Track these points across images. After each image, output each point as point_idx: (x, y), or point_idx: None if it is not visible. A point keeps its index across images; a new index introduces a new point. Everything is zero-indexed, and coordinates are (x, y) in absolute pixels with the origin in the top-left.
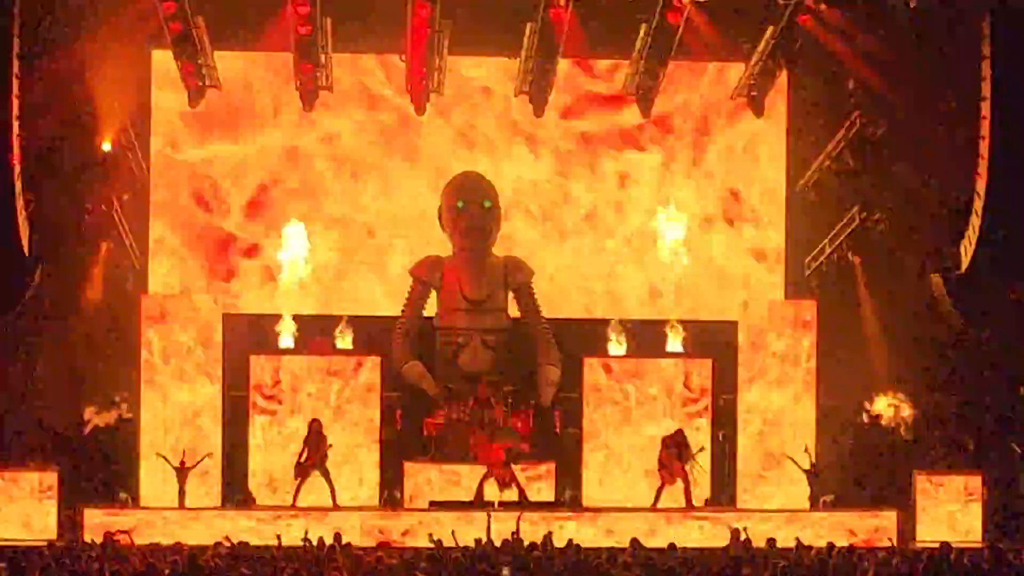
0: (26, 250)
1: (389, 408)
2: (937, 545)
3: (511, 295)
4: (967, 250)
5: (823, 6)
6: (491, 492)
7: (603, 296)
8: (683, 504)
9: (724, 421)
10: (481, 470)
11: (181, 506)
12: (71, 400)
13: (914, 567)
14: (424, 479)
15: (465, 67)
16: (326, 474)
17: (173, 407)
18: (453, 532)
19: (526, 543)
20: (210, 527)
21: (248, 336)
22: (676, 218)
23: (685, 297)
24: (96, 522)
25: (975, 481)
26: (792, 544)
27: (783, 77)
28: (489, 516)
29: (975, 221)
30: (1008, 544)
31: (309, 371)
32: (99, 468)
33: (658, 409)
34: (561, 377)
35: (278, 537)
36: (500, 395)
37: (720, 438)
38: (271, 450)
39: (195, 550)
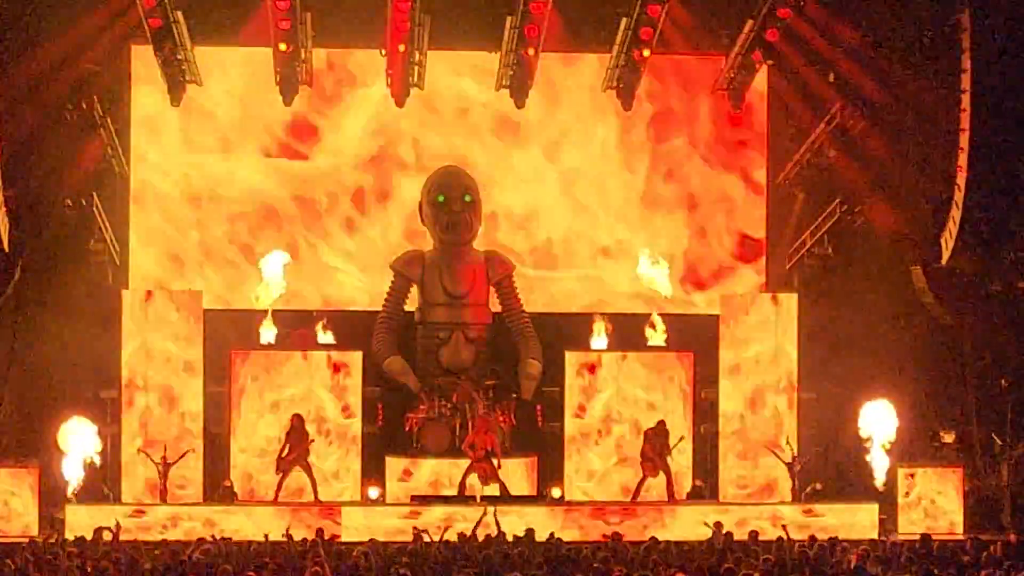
0: (5, 246)
1: (371, 403)
2: (918, 537)
3: (492, 289)
4: (948, 243)
5: None
6: (474, 488)
7: (586, 290)
8: (665, 497)
9: (705, 414)
10: (464, 464)
11: (163, 502)
12: (52, 396)
13: (896, 559)
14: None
15: (445, 61)
16: (308, 469)
17: (154, 403)
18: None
19: (509, 537)
20: (192, 523)
21: (230, 332)
22: (659, 263)
23: (666, 291)
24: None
25: (956, 473)
26: (774, 537)
27: (763, 70)
28: (485, 512)
29: (956, 214)
30: (989, 535)
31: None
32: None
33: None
34: (542, 371)
35: (266, 536)
36: (482, 390)
37: (701, 431)
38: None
39: (177, 546)
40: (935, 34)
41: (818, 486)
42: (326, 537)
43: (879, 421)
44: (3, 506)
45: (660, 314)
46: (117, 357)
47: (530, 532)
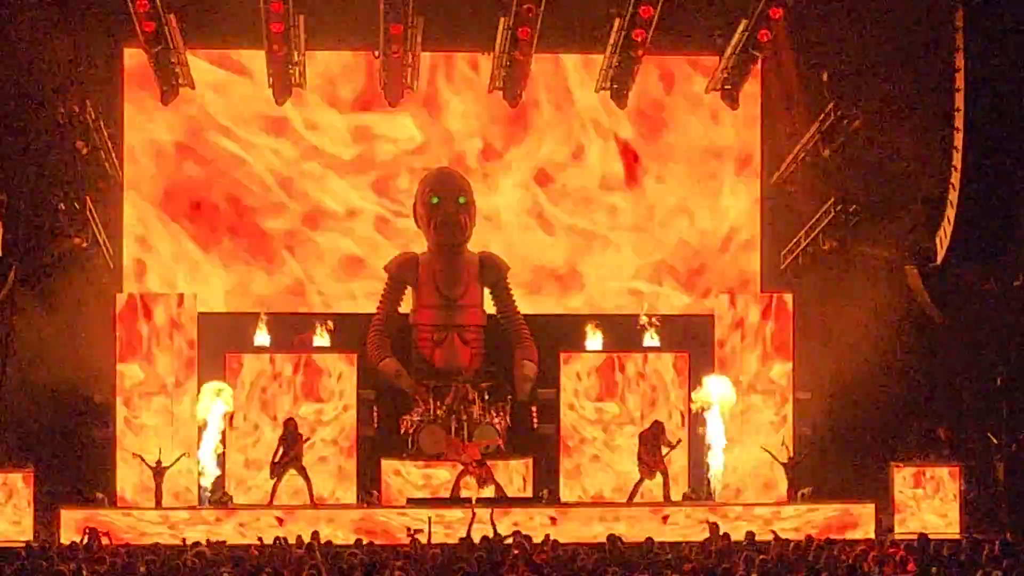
0: None
1: (366, 406)
2: (915, 537)
3: (487, 291)
4: (942, 242)
5: None
6: (468, 489)
7: (581, 291)
8: (661, 498)
9: (701, 415)
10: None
11: (158, 506)
12: (47, 400)
13: (892, 559)
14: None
15: (439, 63)
16: (303, 472)
17: (148, 406)
18: (411, 529)
19: (508, 540)
20: (187, 527)
21: (224, 335)
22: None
23: (661, 291)
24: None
25: (953, 472)
26: (770, 537)
27: (757, 69)
28: (474, 514)
29: (950, 213)
30: (986, 535)
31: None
32: (75, 468)
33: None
34: (537, 372)
35: (260, 539)
36: (477, 391)
37: (699, 432)
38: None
39: (173, 550)
40: (929, 32)
41: (806, 491)
42: (321, 540)
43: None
44: None
45: (654, 315)
46: (111, 360)
47: (522, 534)
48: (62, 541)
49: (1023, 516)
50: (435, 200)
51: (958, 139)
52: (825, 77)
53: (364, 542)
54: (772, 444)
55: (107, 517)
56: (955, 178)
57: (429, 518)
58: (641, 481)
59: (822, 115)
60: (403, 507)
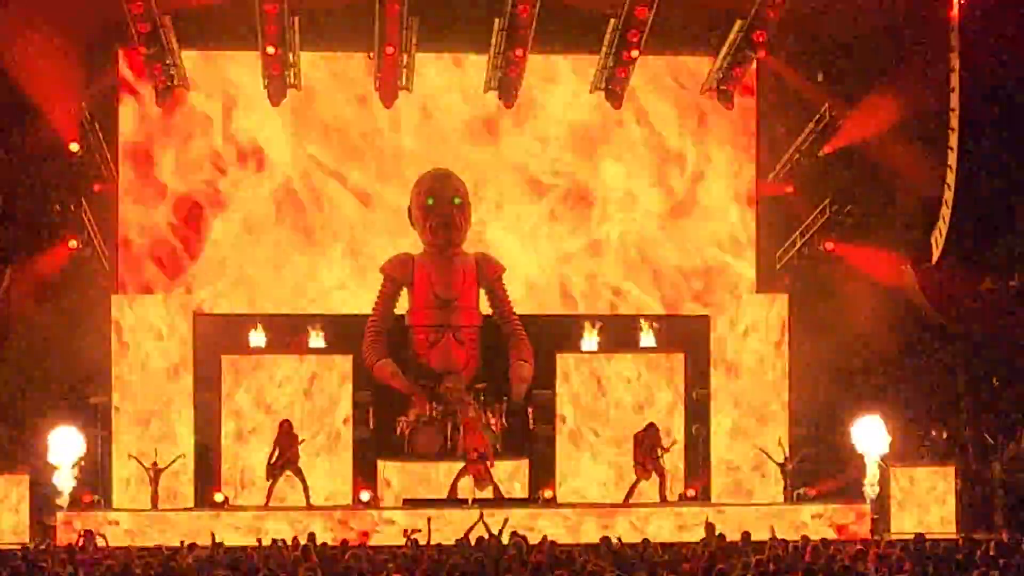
0: None
1: (361, 407)
2: (911, 537)
3: (483, 292)
4: (938, 241)
5: None
6: (465, 490)
7: (575, 292)
8: (657, 499)
9: (697, 415)
10: (456, 467)
11: (154, 507)
12: (42, 401)
13: (889, 559)
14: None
15: (434, 63)
16: (299, 474)
17: (144, 408)
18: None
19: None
20: (183, 528)
21: (219, 336)
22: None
23: (657, 292)
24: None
25: (949, 472)
26: (766, 537)
27: (752, 69)
28: (481, 516)
29: (945, 213)
30: (982, 535)
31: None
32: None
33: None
34: (533, 373)
35: (259, 540)
36: (472, 392)
37: (693, 431)
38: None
39: (169, 552)
40: (925, 33)
41: (805, 492)
42: (317, 542)
43: (871, 436)
44: None
45: (651, 315)
46: (107, 362)
47: (520, 535)
48: (58, 543)
49: (1018, 516)
50: (430, 201)
51: (953, 139)
52: (820, 77)
53: (351, 543)
54: (769, 444)
55: (104, 519)
56: (950, 178)
57: (428, 519)
58: (637, 482)
59: (817, 115)
60: (399, 508)
